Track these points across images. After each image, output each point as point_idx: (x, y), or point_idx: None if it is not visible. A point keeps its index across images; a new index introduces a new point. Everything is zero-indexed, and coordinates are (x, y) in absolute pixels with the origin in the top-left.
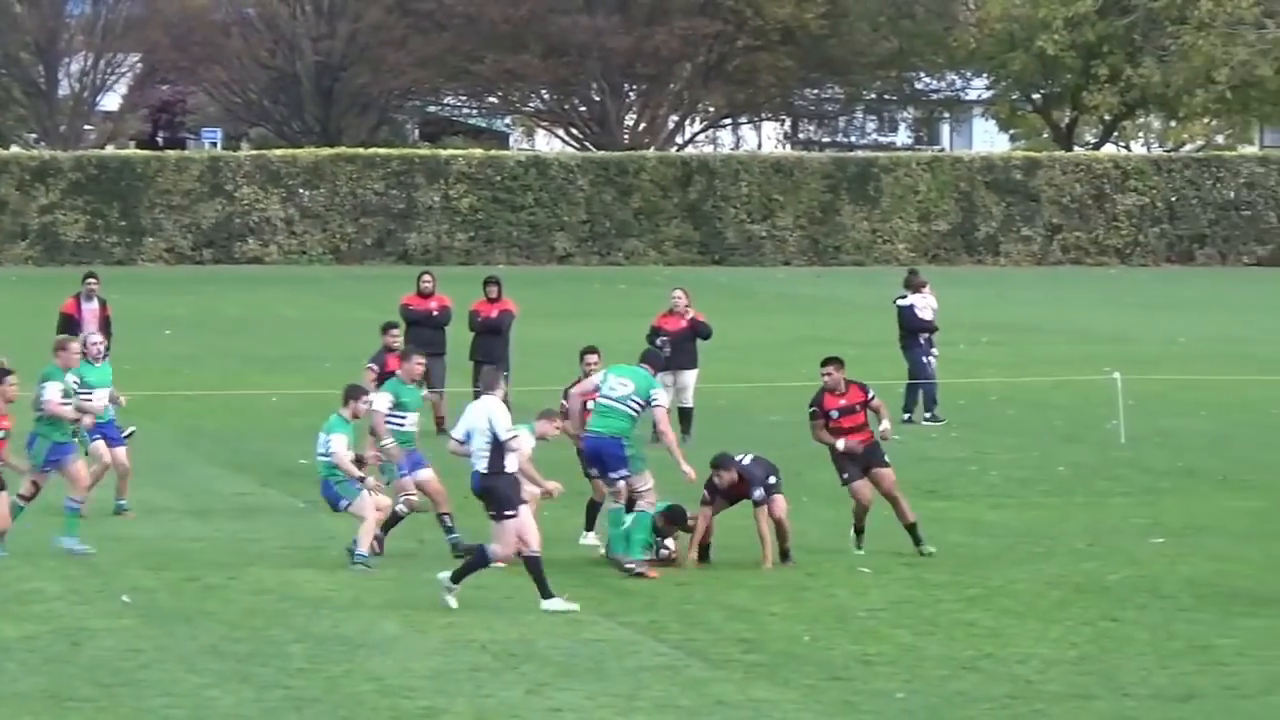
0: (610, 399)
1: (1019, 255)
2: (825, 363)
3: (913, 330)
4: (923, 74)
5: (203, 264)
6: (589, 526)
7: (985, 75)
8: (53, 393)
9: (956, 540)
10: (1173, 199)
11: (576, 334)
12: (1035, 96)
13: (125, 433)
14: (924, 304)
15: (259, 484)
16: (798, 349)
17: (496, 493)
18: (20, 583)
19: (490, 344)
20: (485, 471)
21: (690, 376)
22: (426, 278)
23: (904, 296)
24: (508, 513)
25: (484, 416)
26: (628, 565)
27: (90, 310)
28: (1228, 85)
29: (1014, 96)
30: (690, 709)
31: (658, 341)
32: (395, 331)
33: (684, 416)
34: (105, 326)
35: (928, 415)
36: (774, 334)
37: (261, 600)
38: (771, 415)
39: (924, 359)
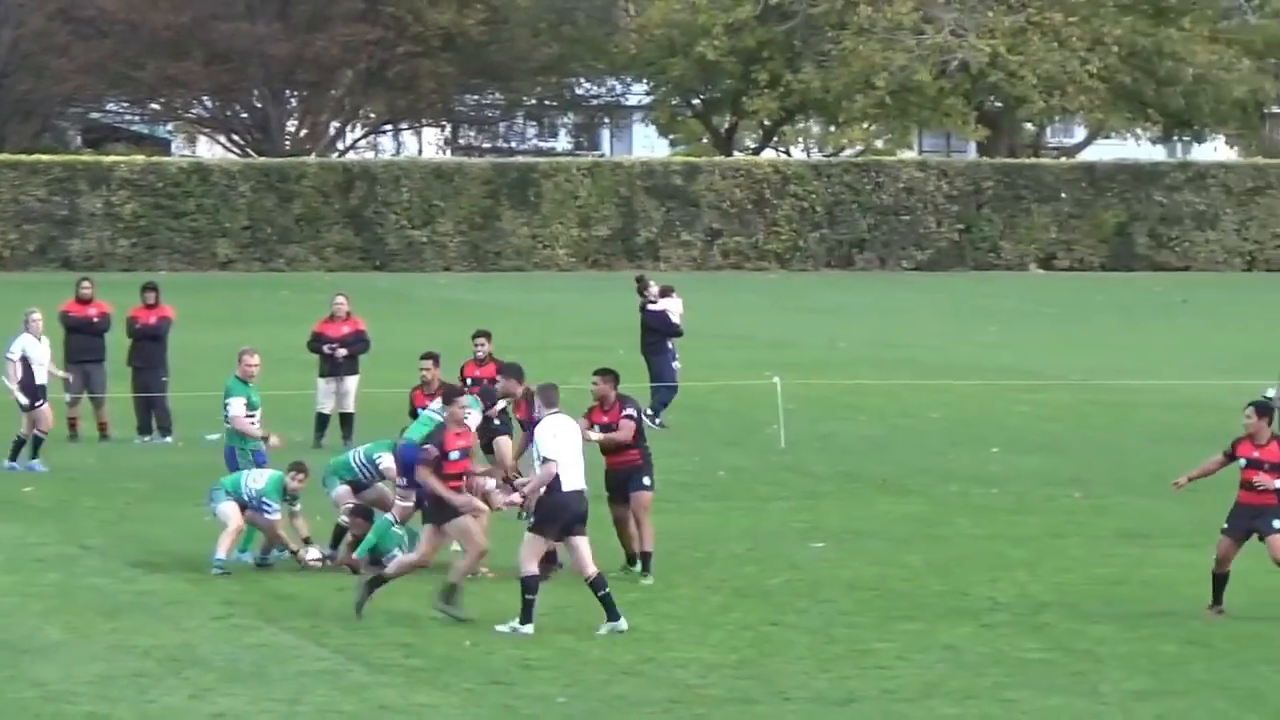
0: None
1: (679, 260)
2: (598, 373)
3: (666, 334)
4: (583, 79)
5: None
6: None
7: (645, 81)
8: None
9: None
10: (832, 204)
11: (237, 339)
12: (695, 102)
13: None
14: (675, 309)
15: None
16: (460, 353)
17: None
18: None
19: (149, 350)
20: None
21: (352, 383)
22: (85, 284)
23: (654, 301)
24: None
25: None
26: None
27: None
28: (887, 90)
29: (674, 102)
30: (352, 713)
31: (325, 348)
32: (426, 363)
33: (345, 421)
34: None
35: (656, 420)
36: (435, 339)
37: None
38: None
39: (672, 364)
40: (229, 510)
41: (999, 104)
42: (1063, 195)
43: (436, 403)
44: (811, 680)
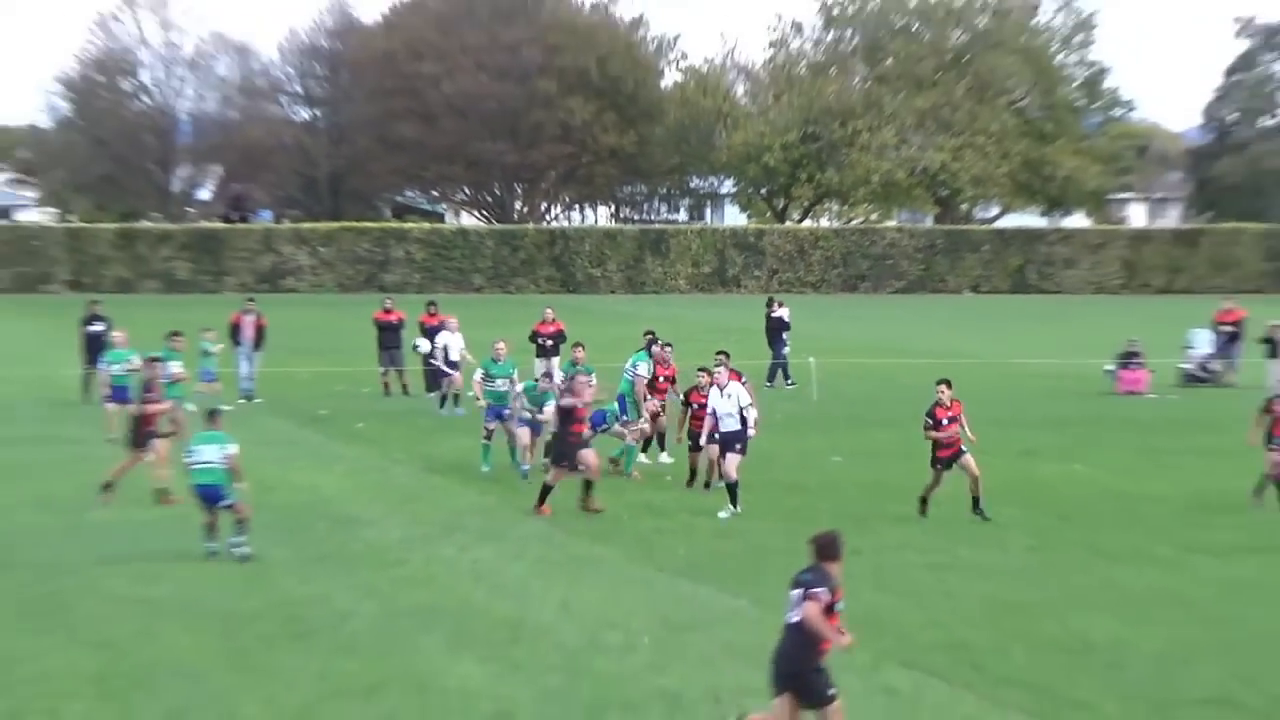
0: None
1: (752, 287)
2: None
3: (783, 330)
4: (695, 176)
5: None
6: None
7: (733, 177)
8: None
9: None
10: (845, 253)
11: (488, 335)
12: (763, 190)
13: None
14: (786, 314)
15: None
16: (624, 346)
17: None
18: None
19: (433, 339)
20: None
21: (555, 360)
22: (388, 301)
23: (775, 311)
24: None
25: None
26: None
27: (249, 321)
28: (878, 185)
29: (749, 191)
30: (556, 561)
31: (539, 340)
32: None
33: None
34: (259, 333)
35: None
36: (606, 335)
37: None
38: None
39: (784, 349)
40: (523, 432)
41: (946, 192)
42: (984, 247)
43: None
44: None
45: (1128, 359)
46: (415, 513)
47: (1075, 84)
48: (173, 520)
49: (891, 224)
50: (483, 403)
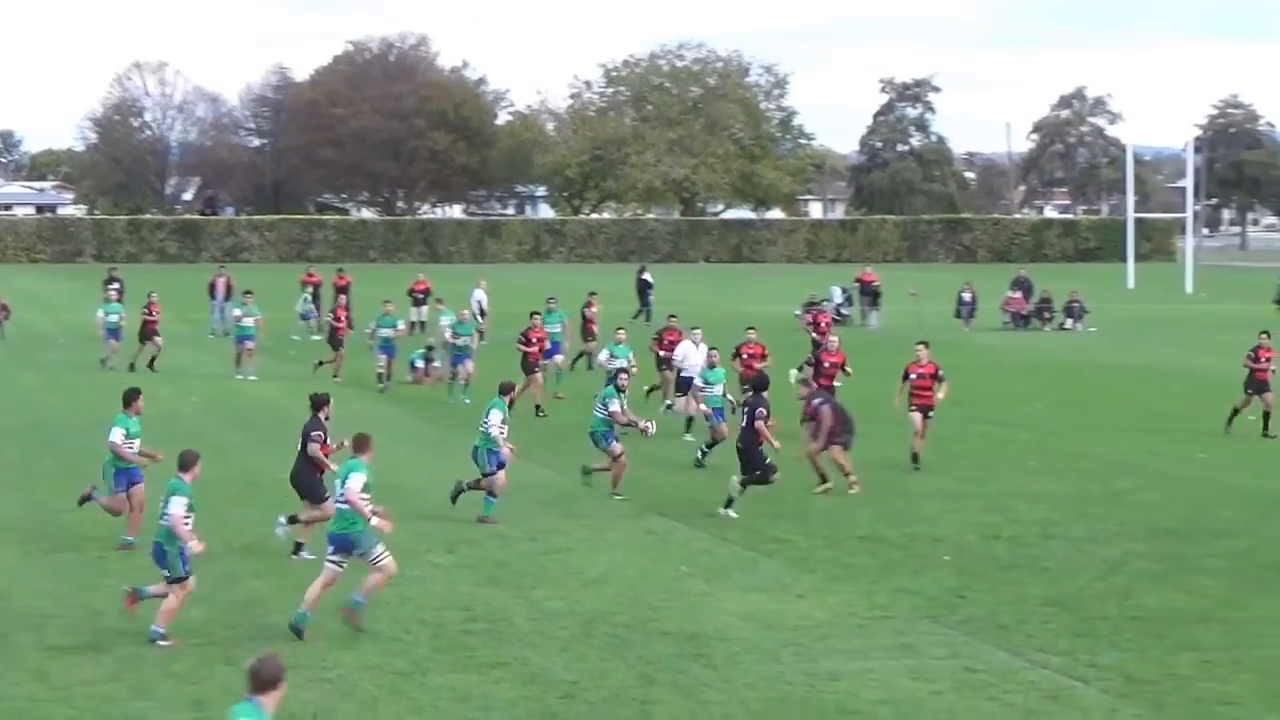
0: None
1: (558, 259)
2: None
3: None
4: (519, 184)
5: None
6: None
7: (544, 185)
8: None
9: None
10: (621, 235)
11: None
12: (565, 193)
13: None
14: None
15: None
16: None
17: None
18: None
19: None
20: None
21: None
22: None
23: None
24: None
25: None
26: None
27: (221, 281)
28: (642, 190)
29: (556, 193)
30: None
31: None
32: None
33: None
34: (229, 289)
35: None
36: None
37: None
38: None
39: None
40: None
41: (688, 195)
42: (714, 232)
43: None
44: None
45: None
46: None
47: (774, 122)
48: None
49: (651, 216)
50: (373, 342)
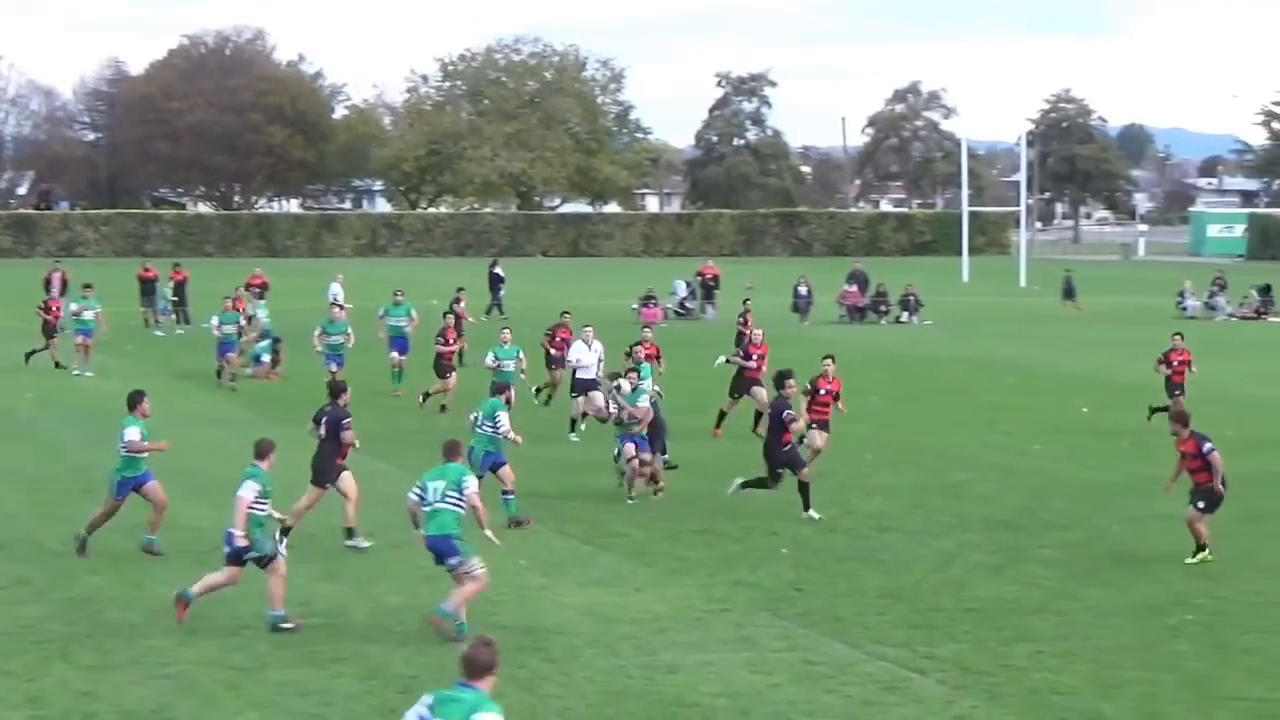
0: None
1: (394, 254)
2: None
3: None
4: (356, 178)
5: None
6: None
7: (381, 179)
8: None
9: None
10: (458, 229)
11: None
12: (401, 188)
13: None
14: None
15: None
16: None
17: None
18: None
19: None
20: None
21: None
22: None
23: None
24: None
25: None
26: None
27: (57, 276)
28: (479, 184)
29: (393, 188)
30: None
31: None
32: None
33: None
34: (64, 284)
35: None
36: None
37: None
38: None
39: None
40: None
41: (525, 189)
42: (551, 226)
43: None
44: None
45: (647, 300)
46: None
47: (611, 116)
48: None
49: (488, 210)
50: (218, 333)
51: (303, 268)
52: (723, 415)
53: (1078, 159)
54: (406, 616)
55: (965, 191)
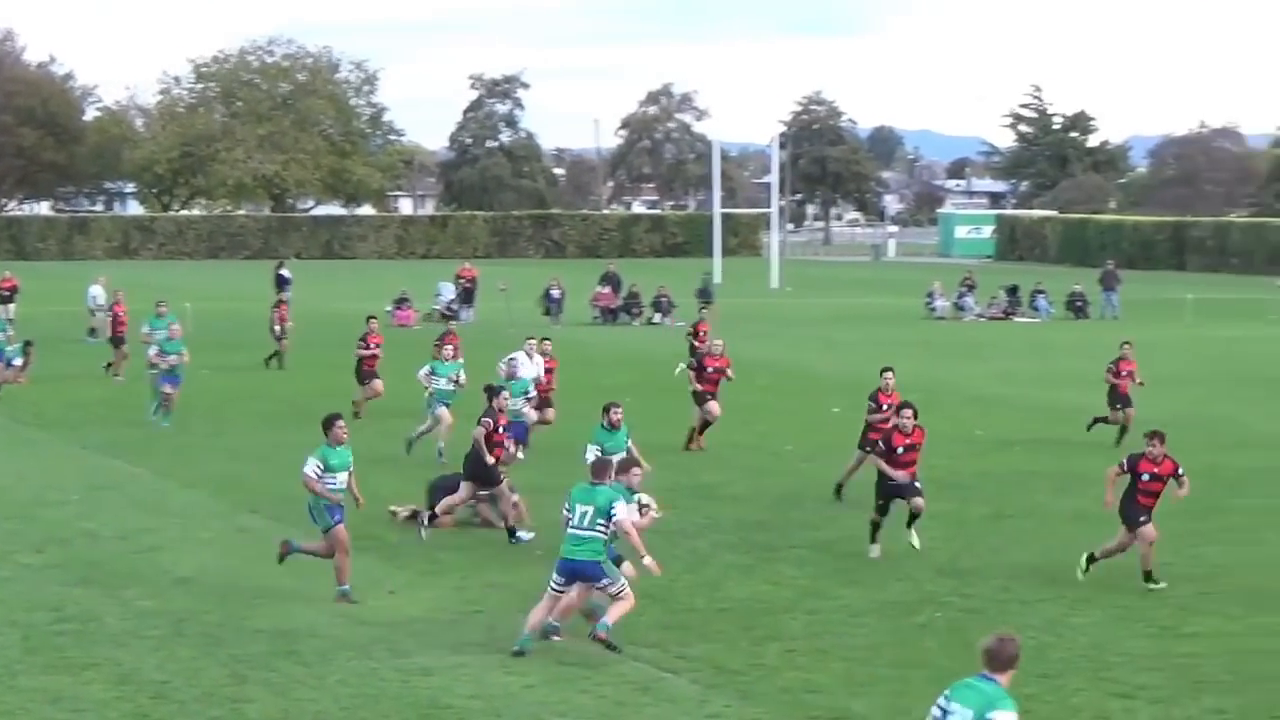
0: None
1: (148, 256)
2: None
3: None
4: (108, 180)
5: None
6: None
7: (134, 181)
8: None
9: None
10: (211, 231)
11: None
12: (154, 190)
13: None
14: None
15: None
16: None
17: None
18: None
19: None
20: None
21: None
22: None
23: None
24: None
25: None
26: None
27: None
28: (233, 186)
29: (146, 190)
30: None
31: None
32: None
33: None
34: None
35: None
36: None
37: None
38: None
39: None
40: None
41: (278, 191)
42: (304, 228)
43: None
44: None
45: (400, 302)
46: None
47: (365, 118)
48: None
49: (242, 212)
50: None
51: (54, 270)
52: (694, 431)
53: (829, 161)
54: (159, 621)
55: (717, 193)
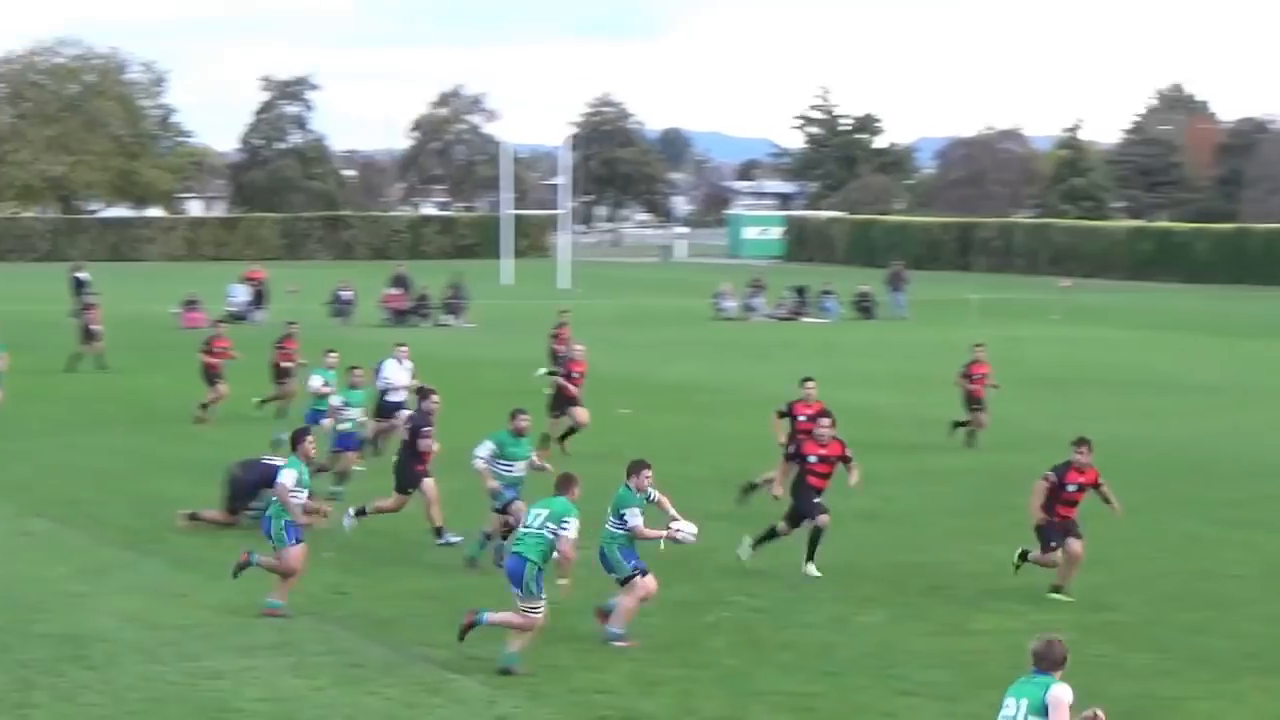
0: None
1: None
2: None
3: None
4: None
5: None
6: None
7: None
8: None
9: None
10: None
11: None
12: None
13: None
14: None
15: None
16: None
17: None
18: None
19: None
20: None
21: None
22: None
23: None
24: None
25: None
26: None
27: None
28: (21, 188)
29: None
30: None
31: None
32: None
33: None
34: None
35: None
36: None
37: None
38: None
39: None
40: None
41: (66, 193)
42: (91, 230)
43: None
44: None
45: (189, 304)
46: None
47: (153, 119)
48: None
49: (29, 214)
50: None
51: None
52: (547, 437)
53: (619, 162)
54: None
55: (507, 195)
